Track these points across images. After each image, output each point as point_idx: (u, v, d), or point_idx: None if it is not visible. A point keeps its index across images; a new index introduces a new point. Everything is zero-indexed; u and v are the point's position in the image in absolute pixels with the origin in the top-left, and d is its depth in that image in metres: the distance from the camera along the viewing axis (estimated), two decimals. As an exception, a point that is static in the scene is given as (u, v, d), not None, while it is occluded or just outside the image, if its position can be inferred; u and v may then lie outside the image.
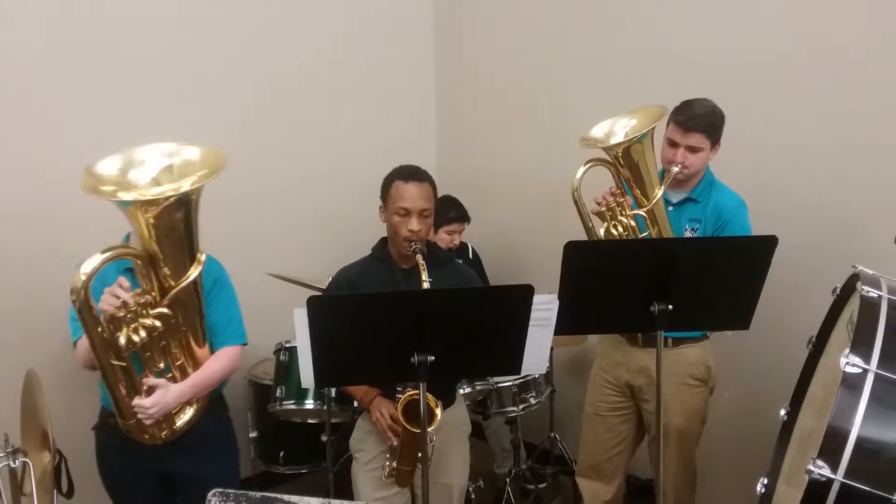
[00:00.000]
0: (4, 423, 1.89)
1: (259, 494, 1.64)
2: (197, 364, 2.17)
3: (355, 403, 2.84)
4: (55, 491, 1.93)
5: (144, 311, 1.99)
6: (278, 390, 3.05)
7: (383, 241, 2.48)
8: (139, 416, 2.02)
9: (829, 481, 1.45)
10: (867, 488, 1.44)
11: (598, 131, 2.53)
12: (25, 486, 1.81)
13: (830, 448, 1.46)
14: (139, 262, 1.99)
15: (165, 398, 2.05)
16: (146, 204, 1.91)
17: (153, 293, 2.02)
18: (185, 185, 1.94)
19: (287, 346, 3.09)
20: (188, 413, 2.20)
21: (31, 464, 1.78)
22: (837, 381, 1.52)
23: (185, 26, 3.25)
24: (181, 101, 3.24)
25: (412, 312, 1.88)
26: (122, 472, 2.30)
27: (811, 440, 1.78)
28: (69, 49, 2.96)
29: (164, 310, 2.02)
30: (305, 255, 3.59)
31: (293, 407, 3.05)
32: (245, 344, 2.33)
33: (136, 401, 2.02)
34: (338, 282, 2.48)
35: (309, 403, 3.05)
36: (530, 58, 3.72)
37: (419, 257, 2.24)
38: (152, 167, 1.98)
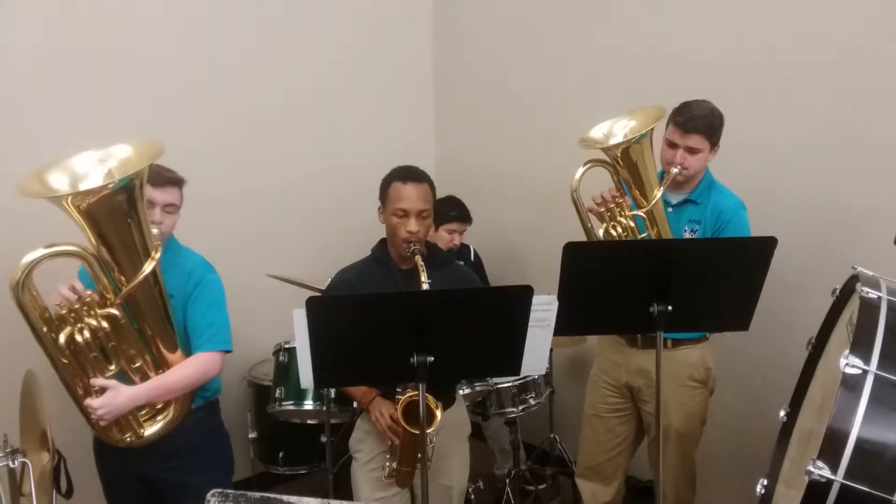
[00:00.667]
0: (3, 423, 1.89)
1: (258, 495, 1.64)
2: (169, 368, 2.15)
3: (355, 404, 2.84)
4: (54, 491, 1.93)
5: (91, 312, 1.97)
6: (277, 391, 3.05)
7: (382, 242, 2.47)
8: (93, 416, 2.02)
9: (829, 482, 1.45)
10: (867, 489, 1.44)
11: (597, 132, 2.53)
12: (24, 487, 1.81)
13: (830, 449, 1.46)
14: (88, 262, 1.97)
15: (115, 400, 2.02)
16: (86, 196, 1.90)
17: (108, 294, 2.00)
18: (120, 174, 1.93)
19: (286, 346, 3.08)
20: (158, 423, 2.16)
21: (30, 464, 1.77)
22: (837, 382, 1.52)
23: (185, 27, 3.25)
24: (181, 101, 3.24)
25: (411, 313, 1.88)
26: (112, 472, 2.30)
27: (811, 441, 1.78)
28: (71, 49, 2.96)
29: (113, 310, 1.99)
30: (305, 256, 3.59)
31: (292, 408, 3.05)
32: (228, 351, 2.28)
33: (87, 401, 2.01)
34: (337, 283, 2.48)
35: (308, 404, 3.05)
36: (530, 58, 3.72)
37: (418, 258, 2.24)
38: (95, 175, 1.97)
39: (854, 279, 1.85)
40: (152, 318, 2.09)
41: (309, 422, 3.21)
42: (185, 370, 2.17)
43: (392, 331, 1.89)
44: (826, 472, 1.44)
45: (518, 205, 3.86)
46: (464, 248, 3.60)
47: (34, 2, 2.88)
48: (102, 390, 2.02)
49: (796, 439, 2.04)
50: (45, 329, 1.95)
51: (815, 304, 2.13)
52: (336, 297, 2.31)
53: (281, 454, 3.26)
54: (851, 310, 1.85)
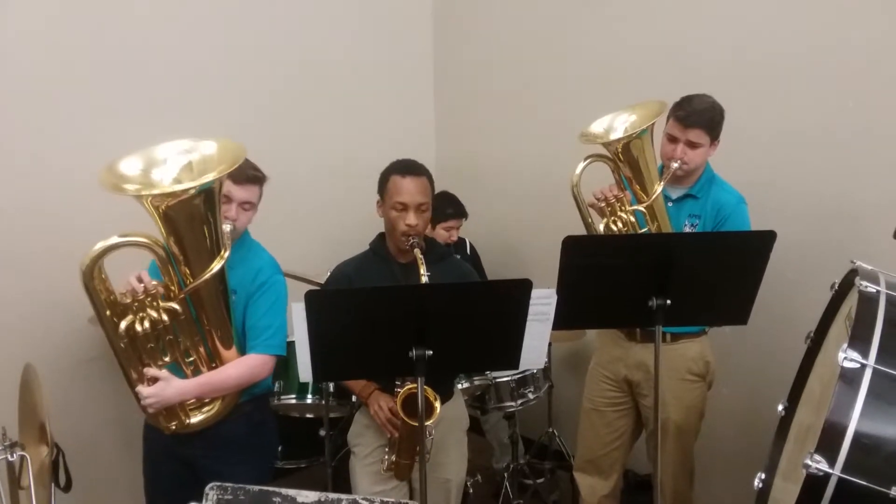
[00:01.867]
0: (2, 417, 1.89)
1: (257, 488, 1.64)
2: (223, 363, 2.16)
3: (353, 398, 2.84)
4: (53, 485, 1.93)
5: (154, 303, 2.00)
6: (276, 385, 3.05)
7: (381, 235, 2.47)
8: (141, 403, 2.06)
9: (827, 476, 1.45)
10: (865, 483, 1.44)
11: (597, 127, 2.53)
12: (23, 480, 1.81)
13: (828, 443, 1.46)
14: (157, 255, 1.99)
15: (164, 392, 2.05)
16: (165, 198, 1.93)
17: (172, 288, 2.03)
18: (204, 179, 1.95)
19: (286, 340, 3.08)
20: (203, 413, 2.18)
21: (28, 458, 1.78)
22: (835, 376, 1.52)
23: (186, 25, 3.24)
24: (180, 98, 3.23)
25: (410, 307, 1.88)
26: (155, 445, 2.32)
27: (809, 435, 1.78)
28: (88, 44, 2.97)
29: (174, 305, 2.02)
30: (303, 249, 3.58)
31: (292, 401, 3.05)
32: (280, 355, 2.29)
33: (138, 388, 2.05)
34: (336, 277, 2.48)
35: (307, 398, 3.05)
36: (529, 54, 3.71)
37: (417, 252, 2.24)
38: (173, 166, 2.00)
39: (853, 273, 1.85)
40: (213, 313, 2.11)
41: (308, 416, 3.21)
42: (236, 370, 2.18)
43: (391, 324, 1.89)
44: (824, 466, 1.45)
45: (518, 199, 3.85)
46: (460, 242, 3.60)
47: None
48: (154, 380, 2.05)
49: (794, 433, 2.04)
50: (108, 313, 1.98)
51: (814, 298, 2.13)
52: (335, 291, 2.31)
53: (280, 448, 3.26)
54: (850, 304, 1.86)
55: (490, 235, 3.85)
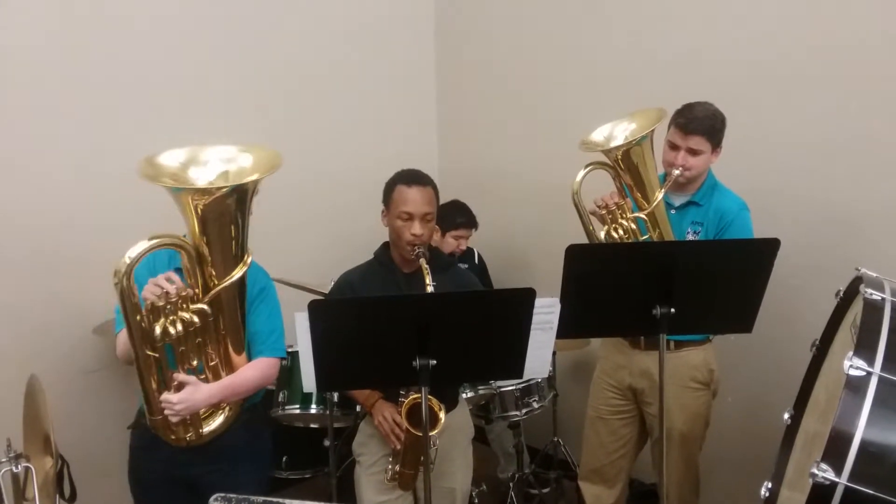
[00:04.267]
0: (7, 428, 1.89)
1: (261, 499, 1.64)
2: (232, 369, 2.15)
3: (358, 407, 2.83)
4: (57, 496, 1.92)
5: (185, 305, 1.98)
6: (280, 395, 3.05)
7: (386, 245, 2.48)
8: (166, 412, 2.01)
9: (834, 485, 1.44)
10: (871, 492, 1.43)
11: (597, 135, 2.53)
12: (28, 492, 1.81)
13: (834, 451, 1.45)
14: (185, 256, 1.98)
15: (194, 396, 2.02)
16: (200, 193, 1.93)
17: (197, 290, 2.02)
18: (241, 180, 1.97)
19: (289, 350, 3.07)
20: (217, 420, 2.17)
21: (33, 469, 1.77)
22: (841, 384, 1.51)
23: (186, 28, 3.26)
24: (182, 104, 3.24)
25: (414, 316, 1.88)
26: (149, 474, 2.28)
27: (815, 444, 1.78)
28: (85, 50, 2.98)
29: (204, 306, 2.00)
30: (307, 259, 3.58)
31: (296, 412, 3.05)
32: (284, 358, 2.30)
33: (165, 395, 2.00)
34: (340, 286, 2.48)
35: (311, 408, 3.04)
36: (531, 60, 3.72)
37: (423, 261, 2.24)
38: (211, 170, 2.01)
39: (858, 281, 1.85)
40: (229, 318, 2.10)
41: (312, 426, 3.20)
42: (252, 372, 2.18)
43: (395, 334, 1.89)
44: (830, 475, 1.44)
45: (520, 207, 3.85)
46: (468, 252, 3.61)
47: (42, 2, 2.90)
48: (181, 386, 2.02)
49: (800, 442, 2.03)
50: (137, 318, 1.94)
51: (819, 305, 2.13)
52: (339, 301, 2.31)
53: (284, 458, 3.26)
54: (855, 311, 1.85)
55: (493, 244, 3.85)
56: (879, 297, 1.67)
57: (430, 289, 2.17)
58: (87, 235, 2.92)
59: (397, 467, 2.33)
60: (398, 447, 2.30)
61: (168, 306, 1.95)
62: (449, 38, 4.12)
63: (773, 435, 2.19)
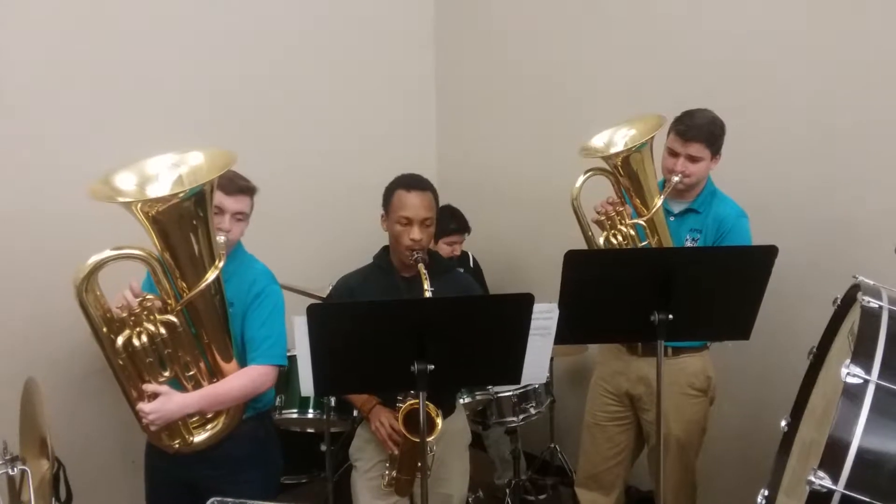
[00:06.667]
0: (3, 430, 1.88)
1: (258, 503, 1.64)
2: (222, 378, 2.14)
3: (355, 412, 2.83)
4: (53, 499, 1.92)
5: (151, 317, 1.98)
6: (278, 399, 3.04)
7: (385, 249, 2.48)
8: (143, 421, 2.03)
9: (830, 492, 1.44)
10: (868, 500, 1.43)
11: (597, 141, 2.54)
12: (24, 494, 1.80)
13: (831, 459, 1.45)
14: (152, 267, 1.98)
15: (166, 406, 2.02)
16: (156, 203, 1.92)
17: (169, 301, 2.01)
18: (190, 182, 1.95)
19: (287, 354, 3.07)
20: (209, 430, 2.16)
21: (29, 471, 1.76)
22: (838, 391, 1.51)
23: (185, 33, 3.26)
24: (181, 107, 3.24)
25: (412, 321, 1.88)
26: (157, 472, 2.30)
27: (812, 451, 1.77)
28: (81, 53, 2.97)
29: (172, 318, 2.00)
30: (306, 263, 3.58)
31: (293, 416, 3.04)
32: (282, 366, 2.27)
33: (139, 405, 2.02)
34: (339, 290, 2.49)
35: (309, 412, 3.04)
36: (530, 67, 3.73)
37: (421, 266, 2.24)
38: (165, 181, 1.98)
39: (855, 288, 1.85)
40: (210, 326, 2.09)
41: (309, 430, 3.20)
42: (238, 381, 2.15)
43: (393, 338, 1.89)
44: (827, 482, 1.44)
45: (519, 212, 3.86)
46: (463, 256, 3.61)
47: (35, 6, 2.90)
48: (155, 395, 2.02)
49: (797, 449, 2.03)
50: (104, 330, 1.95)
51: (816, 313, 2.13)
52: (337, 305, 2.31)
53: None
54: (852, 319, 1.85)
55: (492, 249, 3.85)
56: (877, 305, 1.67)
57: (428, 294, 2.17)
58: (85, 236, 2.91)
59: (394, 473, 2.33)
60: (395, 452, 2.30)
61: (132, 318, 1.96)
62: (448, 43, 4.13)
63: (769, 442, 2.18)
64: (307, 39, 3.65)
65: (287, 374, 3.06)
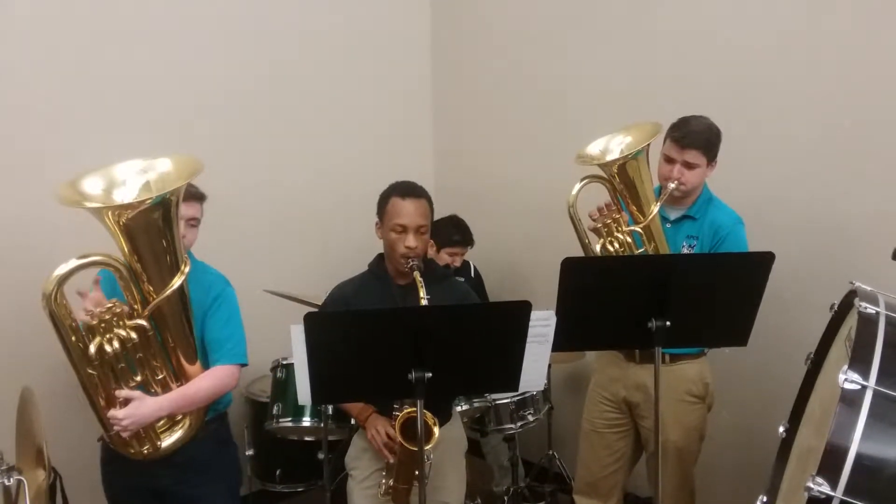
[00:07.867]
0: (-1, 440, 1.88)
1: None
2: (188, 380, 2.15)
3: (352, 420, 2.82)
4: (49, 509, 1.91)
5: (121, 322, 1.99)
6: (275, 407, 3.04)
7: (380, 257, 2.48)
8: (115, 428, 2.01)
9: (829, 499, 1.44)
10: (867, 505, 1.43)
11: (593, 148, 2.54)
12: (20, 505, 1.79)
13: (830, 465, 1.45)
14: (119, 273, 1.98)
15: (140, 410, 2.02)
16: (125, 210, 1.92)
17: (135, 305, 2.01)
18: (158, 189, 1.96)
19: (284, 362, 3.07)
20: (176, 433, 2.16)
21: (25, 482, 1.76)
22: (836, 397, 1.51)
23: (182, 39, 3.26)
24: (179, 115, 3.24)
25: (409, 329, 1.87)
26: (119, 486, 2.29)
27: (810, 457, 1.77)
28: (71, 59, 2.97)
29: (142, 322, 2.01)
30: (302, 271, 3.58)
31: (290, 424, 3.03)
32: (244, 364, 2.30)
33: (111, 412, 2.01)
34: (334, 298, 2.48)
35: (306, 421, 3.03)
36: (528, 74, 3.74)
37: (417, 274, 2.24)
38: (132, 186, 2.00)
39: (852, 294, 1.86)
40: (176, 330, 2.10)
41: (306, 438, 3.19)
42: (206, 382, 2.17)
43: (390, 346, 1.89)
44: (826, 489, 1.44)
45: (516, 219, 3.86)
46: (464, 265, 3.61)
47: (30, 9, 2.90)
48: (126, 401, 2.02)
49: (795, 455, 2.03)
50: (73, 339, 1.95)
51: (814, 319, 2.13)
52: (334, 313, 2.31)
53: (278, 472, 3.24)
54: (850, 325, 1.85)
55: (489, 256, 3.85)
56: (874, 311, 1.68)
57: (424, 301, 2.16)
58: (80, 245, 2.91)
59: (391, 482, 2.32)
60: (391, 460, 2.29)
61: (102, 325, 1.96)
62: (445, 51, 4.14)
63: (767, 448, 2.18)
64: (303, 47, 3.66)
65: (284, 383, 3.06)
